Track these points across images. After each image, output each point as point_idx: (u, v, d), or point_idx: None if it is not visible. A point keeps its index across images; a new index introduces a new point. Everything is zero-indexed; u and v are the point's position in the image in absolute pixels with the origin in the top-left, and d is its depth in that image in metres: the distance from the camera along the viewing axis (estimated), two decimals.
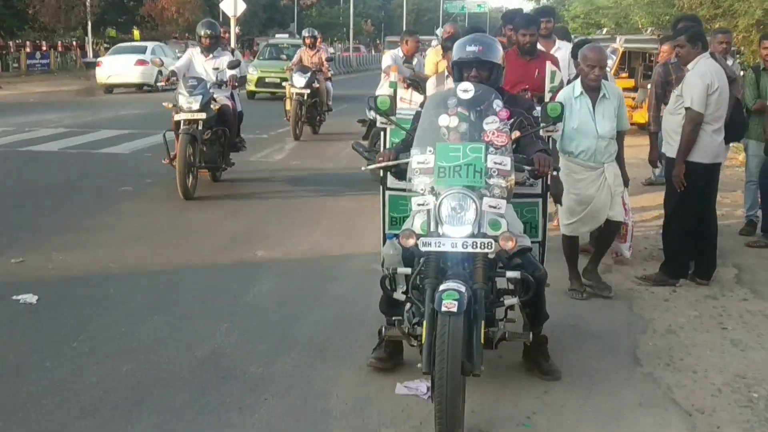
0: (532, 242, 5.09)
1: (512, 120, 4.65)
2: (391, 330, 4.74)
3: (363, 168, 5.02)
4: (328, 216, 9.60)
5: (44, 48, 43.38)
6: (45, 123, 17.95)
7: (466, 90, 4.55)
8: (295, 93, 15.84)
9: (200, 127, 10.11)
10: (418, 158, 4.44)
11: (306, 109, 15.98)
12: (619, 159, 6.66)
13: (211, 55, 10.82)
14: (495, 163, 4.34)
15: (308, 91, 15.82)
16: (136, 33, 49.33)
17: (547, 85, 7.39)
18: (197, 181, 10.29)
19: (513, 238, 4.22)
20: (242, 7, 27.32)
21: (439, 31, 17.30)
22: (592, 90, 6.47)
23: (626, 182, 6.80)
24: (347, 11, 73.61)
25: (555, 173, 4.82)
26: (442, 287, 4.10)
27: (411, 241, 4.27)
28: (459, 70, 4.95)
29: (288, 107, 16.22)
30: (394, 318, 4.75)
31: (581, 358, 5.40)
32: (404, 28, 74.99)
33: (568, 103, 6.25)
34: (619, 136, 6.65)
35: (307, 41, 17.02)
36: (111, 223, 8.93)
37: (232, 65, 10.65)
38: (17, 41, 44.88)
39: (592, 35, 27.34)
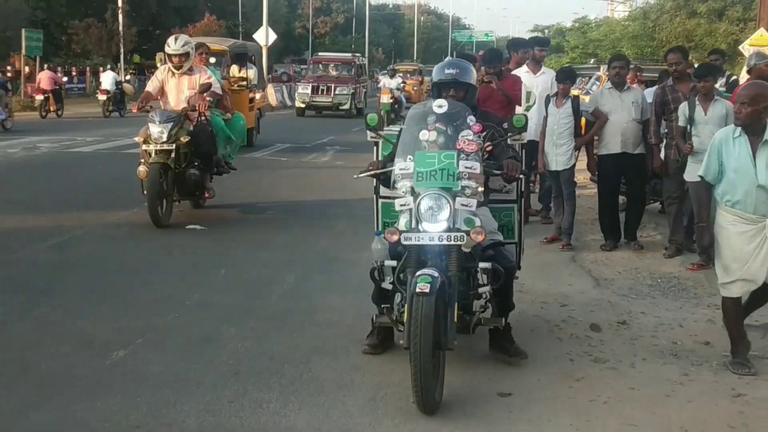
0: (508, 243, 5.82)
1: (484, 133, 5.19)
2: (382, 318, 5.39)
3: (355, 176, 5.59)
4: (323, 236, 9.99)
5: (74, 73, 46.22)
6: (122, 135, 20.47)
7: (441, 106, 5.15)
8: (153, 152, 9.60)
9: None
10: (400, 165, 5.05)
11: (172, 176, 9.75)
12: None
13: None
14: (466, 167, 4.93)
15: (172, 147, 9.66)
16: (159, 58, 52.05)
17: (523, 105, 9.55)
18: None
19: (482, 232, 4.82)
20: (273, 37, 30.10)
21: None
22: (753, 132, 5.57)
23: None
24: (359, 40, 76.41)
25: (523, 177, 5.52)
26: (417, 273, 4.72)
27: (395, 237, 4.88)
28: (438, 90, 5.59)
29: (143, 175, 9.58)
30: (383, 306, 5.33)
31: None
32: (414, 57, 77.87)
33: (726, 144, 5.63)
34: None
35: (175, 61, 9.93)
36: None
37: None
38: (50, 66, 47.89)
39: (584, 64, 30.13)
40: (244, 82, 17.71)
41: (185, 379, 5.22)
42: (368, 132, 5.71)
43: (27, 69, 36.15)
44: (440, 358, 4.81)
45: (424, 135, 5.05)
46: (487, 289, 5.16)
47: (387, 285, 5.15)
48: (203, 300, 7.01)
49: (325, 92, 32.37)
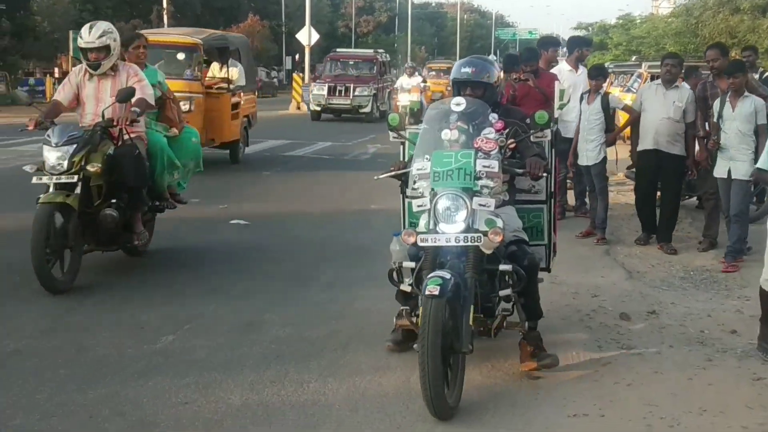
0: (538, 245, 5.74)
1: (507, 130, 5.14)
2: (401, 319, 5.18)
3: (375, 177, 5.52)
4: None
5: None
6: None
7: (459, 103, 5.12)
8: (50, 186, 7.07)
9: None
10: (417, 165, 4.97)
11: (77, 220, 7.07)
12: None
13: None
14: (483, 166, 4.84)
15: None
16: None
17: (556, 102, 9.57)
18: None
19: (501, 233, 4.70)
20: (316, 36, 30.42)
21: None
22: None
23: None
24: (402, 39, 76.68)
25: (546, 175, 5.29)
26: (429, 275, 4.61)
27: (411, 239, 4.80)
28: (457, 89, 5.49)
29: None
30: (402, 308, 5.17)
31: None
32: (457, 55, 77.90)
33: None
34: None
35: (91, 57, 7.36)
36: None
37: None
38: None
39: (626, 61, 30.16)
40: (225, 84, 15.02)
41: (230, 361, 5.54)
42: (390, 133, 5.55)
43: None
44: (458, 362, 4.73)
45: (446, 134, 5.00)
46: (508, 291, 5.03)
47: (406, 287, 5.03)
48: (247, 289, 7.33)
49: (343, 93, 28.60)
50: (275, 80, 59.74)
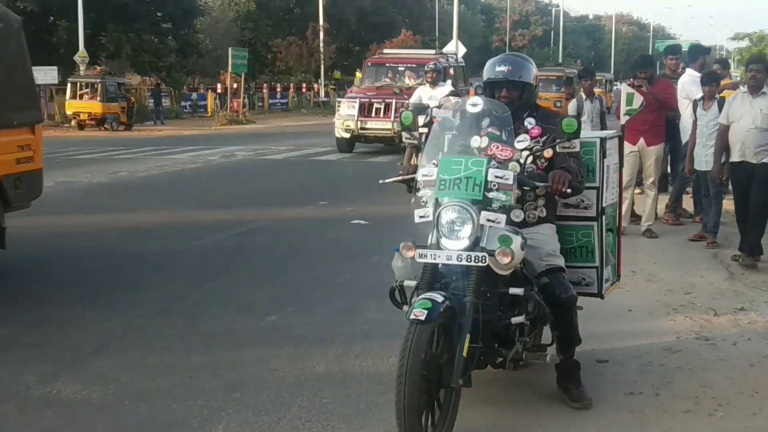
0: (588, 267, 5.09)
1: (544, 137, 4.57)
2: None
3: (381, 181, 5.18)
4: None
5: (278, 89, 49.25)
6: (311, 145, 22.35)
7: (475, 104, 4.50)
8: None
9: None
10: (423, 171, 4.39)
11: None
12: None
13: None
14: (496, 177, 4.21)
15: None
16: (358, 74, 54.26)
17: (623, 108, 9.45)
18: None
19: (509, 253, 4.06)
20: (463, 50, 30.78)
21: None
22: None
23: None
24: (556, 52, 76.33)
25: (569, 191, 4.47)
26: (419, 297, 4.09)
27: (410, 253, 4.25)
28: (490, 90, 4.84)
29: None
30: None
31: None
32: (612, 68, 76.75)
33: None
34: None
35: None
36: None
37: None
38: (256, 83, 51.37)
39: None
40: None
41: (322, 337, 6.10)
42: (403, 134, 4.92)
43: (235, 85, 38.86)
44: (449, 397, 4.16)
45: (476, 141, 4.41)
46: (520, 319, 4.36)
47: (407, 309, 4.31)
48: (352, 280, 7.89)
49: (381, 113, 19.60)
50: None
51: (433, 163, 4.40)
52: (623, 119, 10.04)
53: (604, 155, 5.04)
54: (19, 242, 8.45)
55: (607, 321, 6.42)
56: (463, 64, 24.58)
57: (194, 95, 45.11)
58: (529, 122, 4.72)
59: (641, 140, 9.97)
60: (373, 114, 19.65)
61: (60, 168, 16.86)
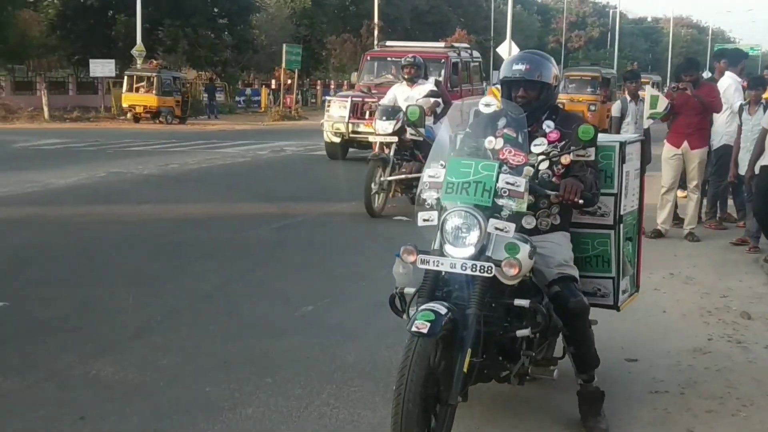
0: (605, 278, 4.83)
1: (563, 143, 4.36)
2: None
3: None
4: None
5: (332, 86, 49.66)
6: None
7: (488, 104, 4.33)
8: None
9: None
10: (430, 172, 4.15)
11: None
12: None
13: None
14: (507, 183, 3.97)
15: None
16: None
17: (646, 111, 9.33)
18: None
19: (516, 264, 3.86)
20: (515, 50, 30.87)
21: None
22: None
23: None
24: (612, 54, 75.69)
25: (581, 202, 4.22)
26: (422, 307, 3.88)
27: (411, 257, 4.05)
28: (507, 89, 4.56)
29: None
30: None
31: None
32: (668, 72, 75.90)
33: None
34: None
35: None
36: None
37: None
38: (310, 79, 51.86)
39: None
40: None
41: (355, 329, 6.24)
42: (408, 129, 4.66)
43: (288, 81, 39.24)
44: (445, 413, 3.96)
45: (490, 142, 4.22)
46: (526, 332, 4.11)
47: (407, 318, 4.19)
48: (389, 275, 7.95)
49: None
50: None
51: (441, 164, 4.14)
52: (646, 123, 9.98)
53: (623, 160, 4.72)
54: (69, 230, 8.78)
55: (640, 321, 6.46)
56: (480, 59, 22.35)
57: (248, 90, 45.68)
58: (548, 125, 4.47)
59: (685, 143, 9.94)
60: (366, 116, 16.72)
61: (112, 159, 17.29)
